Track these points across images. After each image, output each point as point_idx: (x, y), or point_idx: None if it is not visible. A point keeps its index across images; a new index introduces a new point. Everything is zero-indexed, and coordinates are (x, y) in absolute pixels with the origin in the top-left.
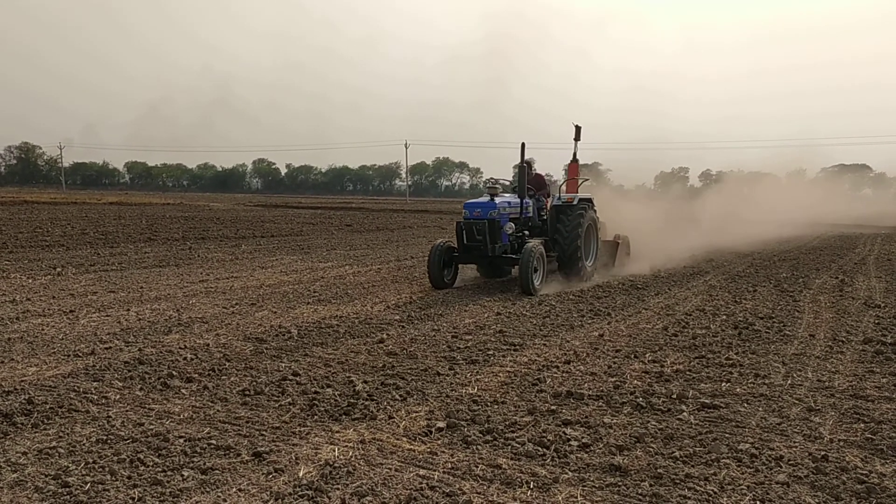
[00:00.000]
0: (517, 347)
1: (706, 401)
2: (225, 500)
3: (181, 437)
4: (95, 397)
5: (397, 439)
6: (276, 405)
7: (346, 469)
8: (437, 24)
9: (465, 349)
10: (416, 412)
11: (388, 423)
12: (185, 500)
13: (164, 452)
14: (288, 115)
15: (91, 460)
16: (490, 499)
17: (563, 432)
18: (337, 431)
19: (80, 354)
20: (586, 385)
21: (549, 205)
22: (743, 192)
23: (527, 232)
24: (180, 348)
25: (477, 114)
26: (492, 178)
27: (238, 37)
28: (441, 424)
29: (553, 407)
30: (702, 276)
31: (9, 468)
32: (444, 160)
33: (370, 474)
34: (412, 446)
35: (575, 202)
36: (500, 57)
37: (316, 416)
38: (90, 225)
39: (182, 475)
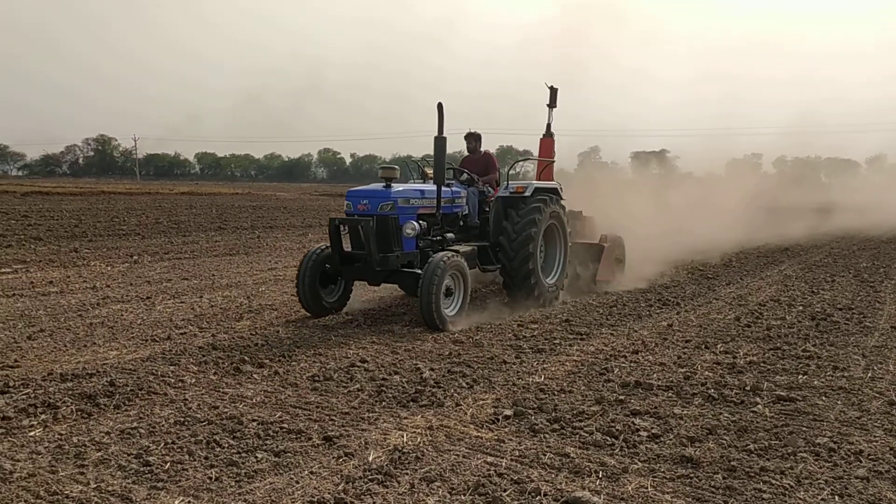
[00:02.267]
0: (583, 337)
1: (782, 393)
2: (298, 482)
3: (254, 420)
4: (172, 381)
5: (464, 426)
6: (345, 391)
7: (414, 454)
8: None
9: (531, 338)
10: (483, 400)
11: (456, 411)
12: (260, 481)
13: (238, 435)
14: (368, 101)
15: (170, 441)
16: (558, 486)
17: (632, 422)
18: (405, 418)
19: (158, 339)
20: (655, 375)
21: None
22: (821, 180)
23: (450, 235)
24: (251, 334)
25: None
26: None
27: (323, 23)
28: (508, 412)
29: (621, 397)
30: (776, 265)
31: (93, 447)
32: (507, 148)
33: (438, 460)
34: (479, 433)
35: (528, 192)
36: (575, 36)
37: (384, 403)
38: (163, 214)
39: (256, 457)
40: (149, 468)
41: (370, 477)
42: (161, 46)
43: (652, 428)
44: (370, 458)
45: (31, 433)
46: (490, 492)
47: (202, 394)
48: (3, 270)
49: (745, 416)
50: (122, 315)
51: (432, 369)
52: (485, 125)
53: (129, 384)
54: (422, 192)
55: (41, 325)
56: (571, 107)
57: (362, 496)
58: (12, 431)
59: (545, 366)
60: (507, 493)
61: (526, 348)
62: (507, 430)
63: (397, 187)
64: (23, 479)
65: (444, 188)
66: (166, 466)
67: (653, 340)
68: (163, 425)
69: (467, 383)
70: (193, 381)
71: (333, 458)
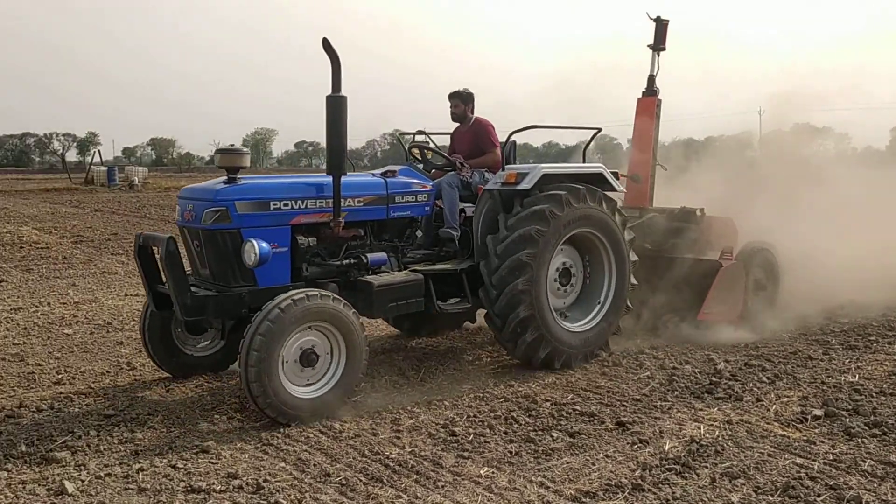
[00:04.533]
0: None
1: None
2: (593, 464)
3: (548, 400)
4: (470, 358)
5: (768, 423)
6: (635, 377)
7: (713, 448)
8: None
9: (841, 333)
10: (788, 397)
11: (757, 406)
12: (556, 459)
13: (533, 413)
14: None
15: (472, 414)
16: (883, 497)
17: None
18: (700, 409)
19: None
20: None
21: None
22: None
23: (377, 256)
24: None
25: None
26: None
27: None
28: (818, 412)
29: None
30: None
31: (406, 415)
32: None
33: (740, 456)
34: (785, 432)
35: (526, 184)
36: None
37: (676, 392)
38: None
39: (552, 436)
40: (455, 438)
41: (667, 466)
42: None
43: None
44: (666, 448)
45: (354, 398)
46: (802, 495)
47: (497, 371)
48: None
49: None
50: None
51: (727, 361)
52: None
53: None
54: (303, 186)
55: None
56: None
57: (660, 485)
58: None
59: (859, 364)
60: (822, 498)
61: (835, 344)
62: (817, 430)
63: (246, 181)
64: (350, 439)
65: (378, 178)
66: (470, 437)
67: None
68: (464, 399)
69: (768, 378)
70: (489, 359)
71: (627, 443)
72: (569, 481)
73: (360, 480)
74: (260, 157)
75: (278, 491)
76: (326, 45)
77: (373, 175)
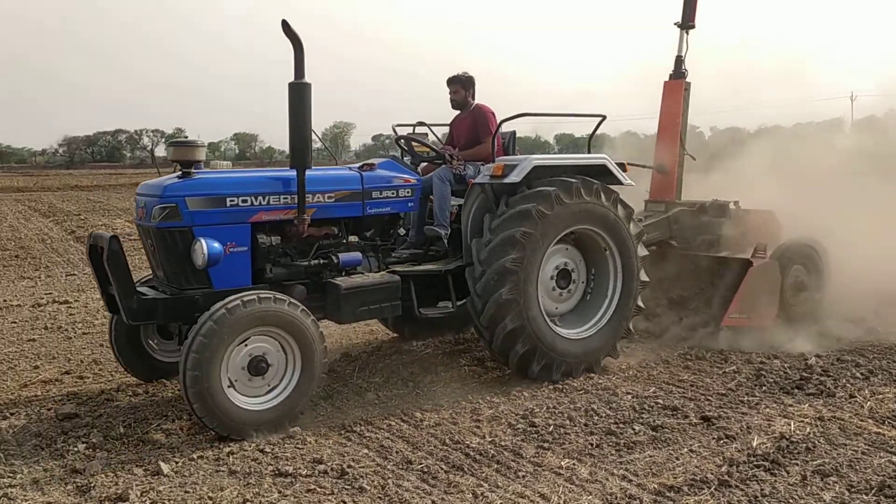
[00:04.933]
0: None
1: None
2: (677, 458)
3: (629, 393)
4: None
5: (862, 420)
6: (720, 372)
7: (804, 445)
8: None
9: None
10: (883, 393)
11: (850, 402)
12: (639, 452)
13: (614, 406)
14: None
15: (551, 405)
16: None
17: None
18: (790, 405)
19: None
20: None
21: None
22: None
23: (350, 256)
24: None
25: None
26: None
27: None
28: None
29: None
30: None
31: (485, 405)
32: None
33: (833, 454)
34: (880, 430)
35: (513, 177)
36: None
37: (764, 387)
38: None
39: (633, 429)
40: (535, 429)
41: (755, 463)
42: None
43: None
44: (754, 444)
45: (433, 388)
46: None
47: None
48: None
49: None
50: None
51: (818, 356)
52: None
53: None
54: (264, 181)
55: None
56: None
57: (748, 481)
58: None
59: None
60: None
61: None
62: None
63: (202, 176)
64: (430, 428)
65: (352, 172)
66: (550, 429)
67: None
68: (542, 391)
69: (862, 374)
70: None
71: (713, 438)
72: (652, 475)
73: (442, 468)
74: (338, 151)
75: (362, 477)
76: (287, 28)
77: (349, 169)
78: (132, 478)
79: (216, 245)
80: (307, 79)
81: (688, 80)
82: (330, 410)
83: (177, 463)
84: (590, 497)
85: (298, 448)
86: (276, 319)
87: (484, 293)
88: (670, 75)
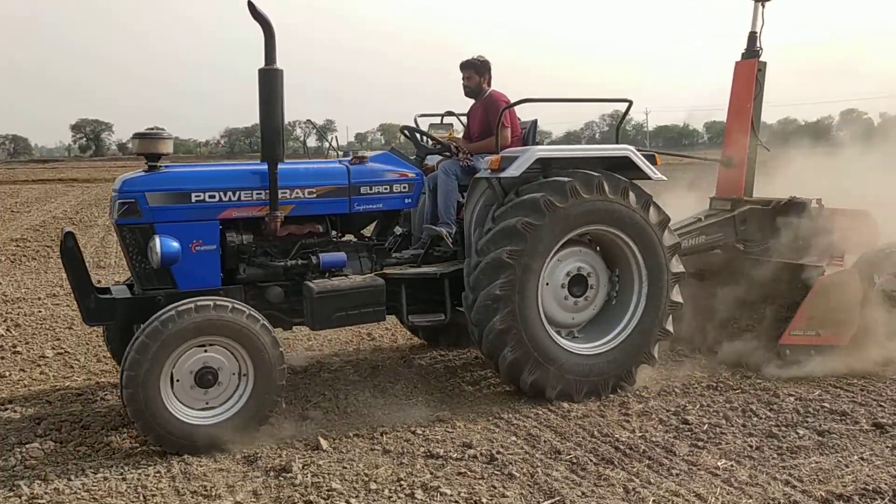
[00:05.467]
0: None
1: None
2: (847, 466)
3: (791, 395)
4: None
5: None
6: (894, 375)
7: None
8: None
9: None
10: None
11: None
12: (804, 458)
13: (775, 407)
14: None
15: (705, 403)
16: None
17: None
18: None
19: None
20: None
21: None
22: None
23: (334, 256)
24: None
25: None
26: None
27: None
28: None
29: None
30: None
31: (635, 399)
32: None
33: None
34: None
35: (513, 171)
36: None
37: None
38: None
39: (797, 433)
40: (688, 426)
41: None
42: None
43: None
44: None
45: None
46: None
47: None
48: None
49: None
50: None
51: None
52: None
53: None
54: (234, 175)
55: None
56: None
57: None
58: None
59: None
60: None
61: None
62: None
63: (167, 170)
64: (578, 419)
65: (339, 165)
66: (704, 427)
67: None
68: (696, 388)
69: None
70: None
71: (887, 447)
72: (818, 482)
73: (591, 460)
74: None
75: (511, 463)
76: (253, 10)
77: (339, 162)
78: (294, 451)
79: (174, 244)
80: (278, 64)
81: (762, 59)
82: (477, 396)
83: (334, 439)
84: (750, 500)
85: (448, 432)
86: (221, 329)
87: (475, 286)
88: (742, 54)
